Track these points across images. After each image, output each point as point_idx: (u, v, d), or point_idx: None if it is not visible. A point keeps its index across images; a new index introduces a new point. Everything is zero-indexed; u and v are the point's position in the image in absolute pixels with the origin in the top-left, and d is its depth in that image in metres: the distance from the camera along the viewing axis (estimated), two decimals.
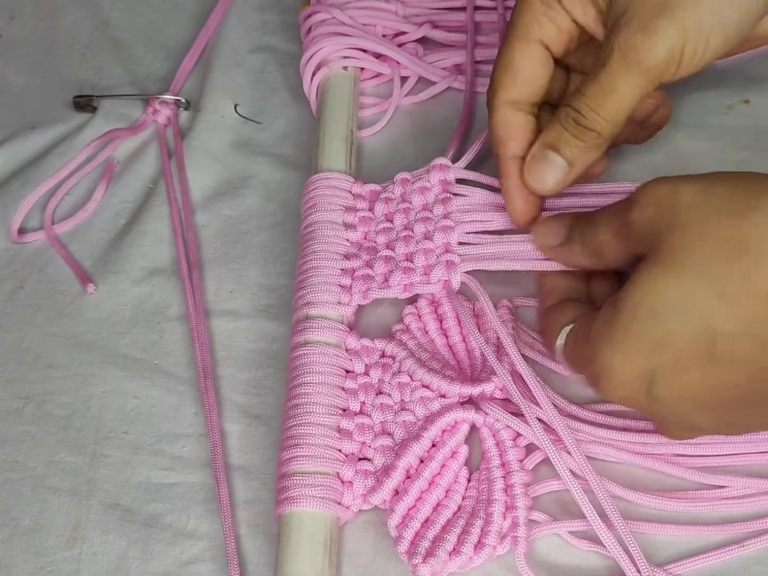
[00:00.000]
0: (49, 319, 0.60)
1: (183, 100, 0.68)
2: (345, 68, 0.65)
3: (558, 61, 0.53)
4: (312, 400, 0.52)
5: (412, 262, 0.55)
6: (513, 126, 0.51)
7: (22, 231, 0.64)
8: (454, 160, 0.59)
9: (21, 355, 0.59)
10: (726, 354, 0.42)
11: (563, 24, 0.51)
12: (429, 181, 0.57)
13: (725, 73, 0.64)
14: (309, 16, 0.66)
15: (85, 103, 0.69)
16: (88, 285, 0.61)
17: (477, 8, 0.67)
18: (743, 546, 0.48)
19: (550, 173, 0.50)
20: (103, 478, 0.54)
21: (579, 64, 0.55)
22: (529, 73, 0.51)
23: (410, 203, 0.57)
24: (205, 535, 0.52)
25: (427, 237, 0.56)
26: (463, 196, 0.57)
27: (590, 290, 0.52)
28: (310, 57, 0.65)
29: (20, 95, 0.71)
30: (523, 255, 0.53)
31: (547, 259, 0.52)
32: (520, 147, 0.51)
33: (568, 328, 0.48)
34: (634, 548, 0.46)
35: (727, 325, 0.41)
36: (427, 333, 0.55)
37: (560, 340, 0.48)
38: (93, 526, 0.53)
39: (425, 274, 0.55)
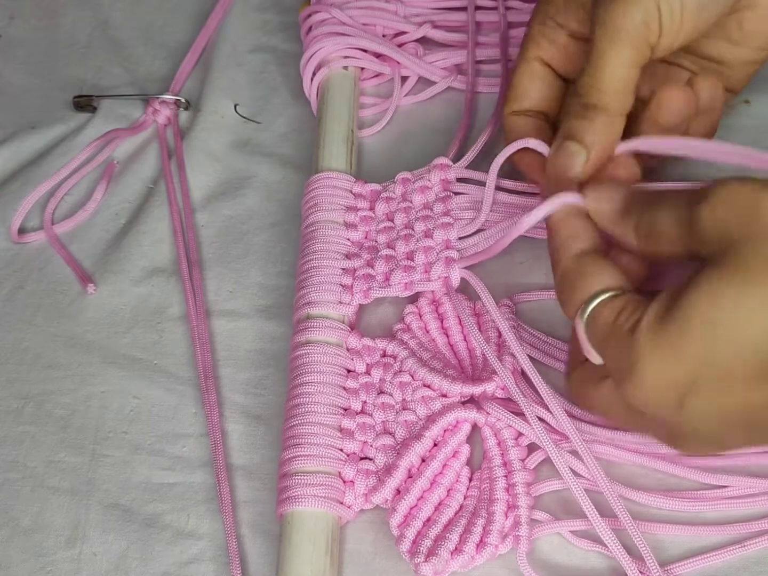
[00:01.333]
0: (49, 319, 0.60)
1: (183, 100, 0.68)
2: (345, 68, 0.65)
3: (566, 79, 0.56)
4: (314, 400, 0.52)
5: (412, 260, 0.55)
6: (519, 128, 0.55)
7: (22, 231, 0.64)
8: (456, 159, 0.59)
9: (21, 355, 0.59)
10: None
11: (559, 38, 0.55)
12: (430, 180, 0.58)
13: None
14: (309, 15, 0.66)
15: (85, 103, 0.69)
16: (88, 285, 0.61)
17: (478, 8, 0.67)
18: (744, 546, 0.48)
19: (572, 161, 0.49)
20: (103, 478, 0.54)
21: None
22: (527, 87, 0.56)
23: (411, 202, 0.57)
24: (205, 535, 0.52)
25: (428, 235, 0.56)
26: (464, 194, 0.57)
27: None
28: (310, 57, 0.65)
29: (20, 95, 0.71)
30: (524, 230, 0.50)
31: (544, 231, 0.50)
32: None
33: (601, 298, 0.45)
34: (644, 549, 0.47)
35: None
36: (428, 332, 0.55)
37: (590, 307, 0.45)
38: (93, 526, 0.53)
39: (426, 271, 0.55)
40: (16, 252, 0.63)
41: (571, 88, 0.55)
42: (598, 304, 0.45)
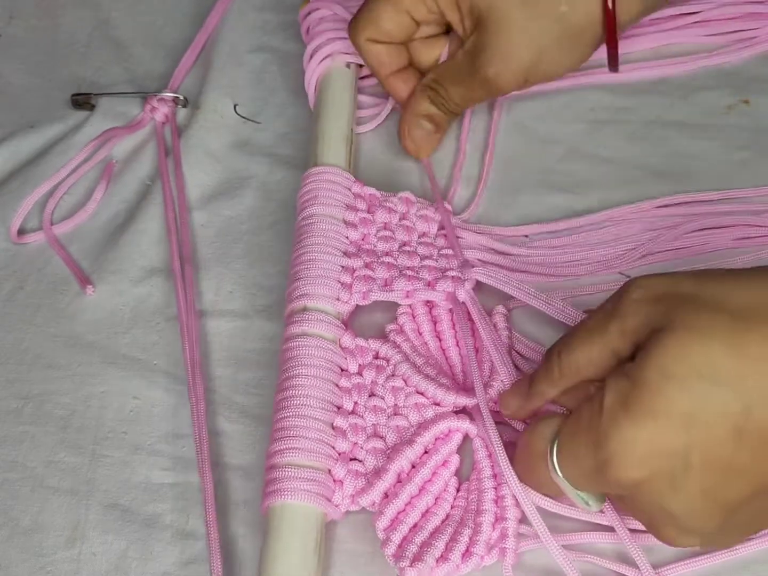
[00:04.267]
0: (49, 319, 0.60)
1: (181, 98, 0.68)
2: (348, 65, 0.65)
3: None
4: (307, 393, 0.51)
5: (416, 273, 0.55)
6: (378, 54, 0.61)
7: (21, 231, 0.64)
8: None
9: (21, 355, 0.59)
10: (758, 430, 0.40)
11: (432, 6, 0.60)
12: (433, 217, 0.58)
13: (725, 73, 0.64)
14: (309, 12, 0.66)
15: (83, 101, 0.69)
16: (87, 286, 0.61)
17: None
18: (735, 550, 0.47)
19: (424, 136, 0.61)
20: (103, 478, 0.54)
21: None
22: (388, 30, 0.61)
23: (413, 225, 0.58)
24: (204, 535, 0.52)
25: (430, 258, 0.56)
26: (462, 238, 0.58)
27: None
28: (312, 53, 0.65)
29: (20, 95, 0.71)
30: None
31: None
32: (390, 67, 0.62)
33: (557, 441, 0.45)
34: (639, 557, 0.47)
35: (760, 393, 0.39)
36: (420, 335, 0.55)
37: (554, 457, 0.45)
38: (92, 526, 0.53)
39: (429, 285, 0.55)
40: (15, 252, 0.63)
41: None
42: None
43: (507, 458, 0.48)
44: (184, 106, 0.68)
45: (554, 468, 0.45)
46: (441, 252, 0.57)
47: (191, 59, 0.70)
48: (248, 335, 0.58)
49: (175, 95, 0.68)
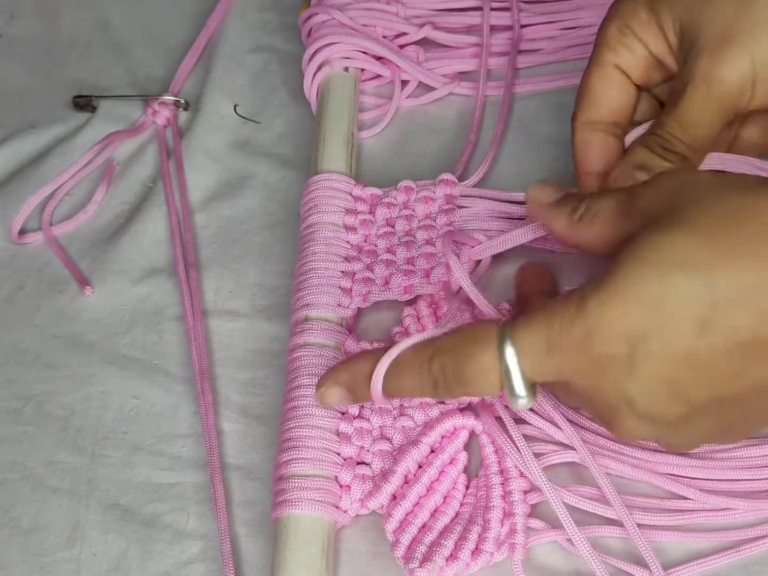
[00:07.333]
0: (49, 319, 0.60)
1: (182, 101, 0.68)
2: (346, 69, 0.65)
3: (648, 91, 0.55)
4: (311, 402, 0.52)
5: (413, 265, 0.55)
6: (590, 144, 0.53)
7: (22, 231, 0.64)
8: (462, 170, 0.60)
9: (21, 356, 0.59)
10: (722, 323, 0.40)
11: (638, 51, 0.53)
12: (434, 192, 0.58)
13: None
14: (309, 17, 0.66)
15: (84, 103, 0.69)
16: (85, 288, 0.61)
17: (472, 9, 0.67)
18: (738, 551, 0.48)
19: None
20: (103, 478, 0.54)
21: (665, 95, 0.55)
22: (603, 95, 0.53)
23: (413, 211, 0.58)
24: (204, 535, 0.52)
25: (429, 243, 0.56)
26: (468, 207, 0.57)
27: None
28: (311, 58, 0.65)
29: (20, 95, 0.71)
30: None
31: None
32: (596, 163, 0.53)
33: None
34: (650, 556, 0.47)
35: (730, 290, 0.40)
36: None
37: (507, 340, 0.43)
38: (92, 526, 0.53)
39: (426, 275, 0.55)
40: (15, 252, 0.63)
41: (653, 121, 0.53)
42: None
43: (531, 455, 0.48)
44: (185, 109, 0.68)
45: (503, 351, 0.43)
46: (441, 231, 0.56)
47: (192, 61, 0.70)
48: (248, 335, 0.58)
49: (176, 98, 0.68)
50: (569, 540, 0.48)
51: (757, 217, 0.41)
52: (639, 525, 0.47)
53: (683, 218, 0.41)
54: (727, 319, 0.40)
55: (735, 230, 0.40)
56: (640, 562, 0.47)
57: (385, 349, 0.46)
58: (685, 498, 0.49)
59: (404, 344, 0.46)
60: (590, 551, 0.46)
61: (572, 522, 0.47)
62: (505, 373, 0.43)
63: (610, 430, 0.45)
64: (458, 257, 0.54)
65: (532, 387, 0.44)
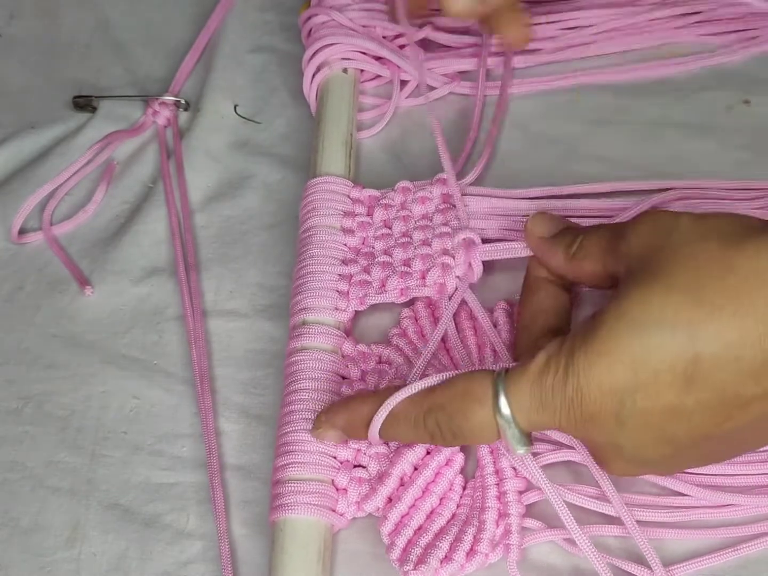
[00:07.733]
0: (49, 319, 0.60)
1: (183, 101, 0.68)
2: (345, 70, 0.65)
3: None
4: (307, 407, 0.52)
5: (409, 267, 0.55)
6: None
7: (22, 231, 0.64)
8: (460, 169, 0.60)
9: (21, 355, 0.59)
10: (705, 377, 0.41)
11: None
12: (431, 192, 0.58)
13: (725, 73, 0.64)
14: (309, 18, 0.66)
15: (84, 104, 0.69)
16: (85, 287, 0.61)
17: None
18: (737, 549, 0.48)
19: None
20: (103, 478, 0.54)
21: None
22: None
23: (410, 211, 0.58)
24: (204, 535, 0.52)
25: (426, 243, 0.56)
26: (465, 206, 0.57)
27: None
28: (310, 59, 0.65)
29: (20, 95, 0.71)
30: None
31: None
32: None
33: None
34: (650, 555, 0.47)
35: (713, 346, 0.40)
36: (423, 336, 0.55)
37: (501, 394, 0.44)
38: (92, 526, 0.53)
39: (422, 278, 0.55)
40: (15, 252, 0.63)
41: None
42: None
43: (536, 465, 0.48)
44: (186, 109, 0.68)
45: (499, 406, 0.44)
46: (437, 231, 0.56)
47: (192, 62, 0.70)
48: (248, 335, 0.58)
49: (177, 99, 0.68)
50: (566, 539, 0.48)
51: (738, 268, 0.41)
52: (638, 522, 0.48)
53: (664, 271, 0.42)
54: (711, 374, 0.41)
55: (715, 283, 0.41)
56: (640, 561, 0.47)
57: (382, 394, 0.47)
58: (684, 495, 0.49)
59: (401, 395, 0.47)
60: (592, 550, 0.46)
61: (573, 520, 0.47)
62: (502, 428, 0.44)
63: (601, 468, 0.47)
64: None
65: (528, 435, 0.45)
